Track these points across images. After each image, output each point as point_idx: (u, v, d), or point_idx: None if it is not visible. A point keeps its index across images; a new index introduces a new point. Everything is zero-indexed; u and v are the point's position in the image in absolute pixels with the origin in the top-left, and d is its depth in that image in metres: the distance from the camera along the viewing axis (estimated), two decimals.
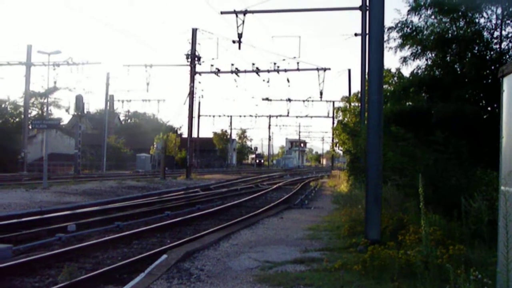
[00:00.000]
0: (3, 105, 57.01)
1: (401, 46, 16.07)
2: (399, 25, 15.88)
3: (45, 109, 47.65)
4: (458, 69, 16.29)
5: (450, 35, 15.87)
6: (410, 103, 17.35)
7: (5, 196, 21.34)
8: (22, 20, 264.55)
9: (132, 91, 59.62)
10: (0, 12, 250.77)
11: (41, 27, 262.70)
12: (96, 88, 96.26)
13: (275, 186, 35.05)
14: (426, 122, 14.02)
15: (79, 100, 45.30)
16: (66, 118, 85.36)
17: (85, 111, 50.43)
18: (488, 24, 15.66)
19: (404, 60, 16.57)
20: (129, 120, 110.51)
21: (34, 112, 67.24)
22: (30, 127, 47.70)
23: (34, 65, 48.29)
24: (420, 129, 13.60)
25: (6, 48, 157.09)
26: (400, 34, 15.92)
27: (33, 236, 12.60)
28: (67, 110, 54.08)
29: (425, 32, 16.07)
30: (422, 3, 15.74)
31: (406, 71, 17.56)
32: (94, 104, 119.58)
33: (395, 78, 19.11)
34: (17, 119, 56.85)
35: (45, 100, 51.05)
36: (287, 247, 10.88)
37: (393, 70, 19.43)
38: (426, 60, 16.70)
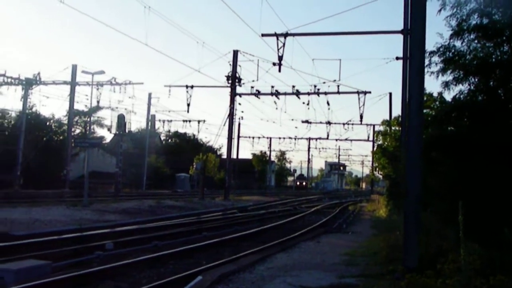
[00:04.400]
0: (47, 123, 58.29)
1: (443, 70, 15.81)
2: (441, 49, 15.64)
3: (88, 127, 48.44)
4: (502, 95, 15.97)
5: (493, 60, 15.59)
6: (452, 128, 17.07)
7: (47, 212, 21.71)
8: (67, 41, 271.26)
9: (173, 112, 60.42)
10: (47, 33, 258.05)
11: (86, 48, 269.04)
12: (138, 108, 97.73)
13: (313, 209, 34.82)
14: (468, 148, 13.74)
15: (121, 120, 45.98)
16: (108, 137, 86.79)
17: (127, 130, 51.14)
18: None
19: (446, 84, 16.29)
20: (169, 140, 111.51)
21: (77, 130, 68.55)
22: (73, 145, 48.59)
23: (78, 84, 49.26)
24: (461, 155, 13.36)
25: (52, 67, 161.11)
26: (442, 58, 15.68)
27: (72, 253, 12.79)
28: (109, 129, 54.84)
29: (468, 56, 15.80)
30: (465, 28, 15.51)
31: (448, 96, 17.20)
32: (136, 124, 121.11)
33: (437, 103, 18.84)
34: (61, 137, 57.99)
35: (88, 119, 51.98)
36: (323, 272, 10.77)
37: (435, 95, 19.17)
38: (469, 85, 16.38)
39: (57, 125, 59.84)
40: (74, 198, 31.62)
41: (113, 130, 49.50)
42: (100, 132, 77.71)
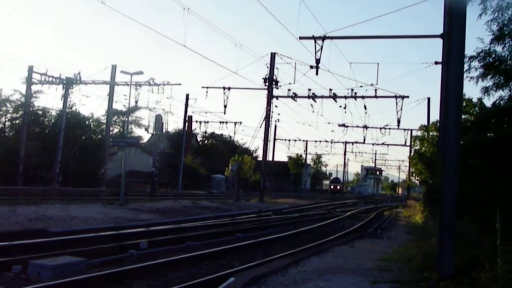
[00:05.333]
0: (86, 122, 59.22)
1: (483, 76, 15.53)
2: (481, 54, 15.37)
3: (126, 127, 49.14)
4: None
5: None
6: (491, 135, 16.76)
7: (84, 210, 22.05)
8: (107, 41, 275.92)
9: (209, 113, 60.56)
10: (88, 33, 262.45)
11: (125, 49, 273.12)
12: (175, 109, 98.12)
13: (348, 214, 34.54)
14: (508, 155, 13.46)
15: (158, 120, 46.51)
16: (145, 137, 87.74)
17: (164, 131, 51.62)
18: None
19: (486, 90, 16.01)
20: (206, 141, 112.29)
21: (115, 129, 69.51)
22: (111, 144, 49.33)
23: (117, 84, 49.88)
24: (501, 162, 13.09)
25: (92, 67, 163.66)
26: (482, 63, 15.41)
27: (106, 251, 12.96)
28: (146, 129, 55.57)
29: (509, 62, 15.51)
30: (506, 32, 15.23)
31: (488, 102, 16.90)
32: (173, 124, 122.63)
33: (476, 109, 18.53)
34: (99, 136, 58.90)
35: (126, 119, 52.71)
36: (356, 277, 10.67)
37: (475, 100, 18.86)
38: (510, 90, 16.09)
39: (95, 124, 60.79)
40: (110, 197, 32.00)
41: (151, 130, 50.14)
42: (137, 132, 78.76)
